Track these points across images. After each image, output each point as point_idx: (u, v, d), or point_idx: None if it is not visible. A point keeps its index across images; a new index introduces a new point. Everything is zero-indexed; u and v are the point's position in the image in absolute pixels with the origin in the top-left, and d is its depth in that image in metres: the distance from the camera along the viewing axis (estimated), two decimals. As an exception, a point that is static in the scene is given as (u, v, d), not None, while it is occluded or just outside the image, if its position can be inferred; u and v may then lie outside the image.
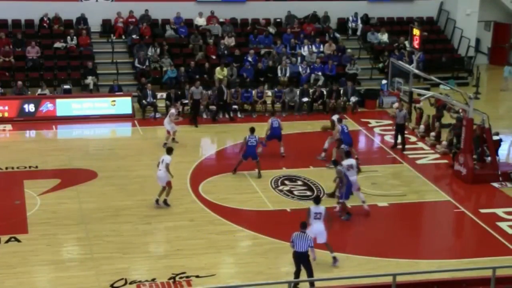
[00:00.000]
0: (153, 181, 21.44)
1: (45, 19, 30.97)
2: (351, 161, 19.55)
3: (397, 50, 31.78)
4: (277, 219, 18.96)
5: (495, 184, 21.71)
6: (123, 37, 31.57)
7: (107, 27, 31.90)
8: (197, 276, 15.95)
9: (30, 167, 22.20)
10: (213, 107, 27.63)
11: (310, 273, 15.25)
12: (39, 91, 27.62)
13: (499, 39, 36.63)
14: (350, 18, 33.76)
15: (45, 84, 27.91)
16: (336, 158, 21.19)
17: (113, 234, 17.97)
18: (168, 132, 24.19)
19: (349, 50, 31.76)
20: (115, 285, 15.64)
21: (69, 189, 20.66)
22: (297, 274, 15.33)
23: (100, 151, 24.06)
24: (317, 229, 16.31)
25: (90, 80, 28.74)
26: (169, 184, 19.41)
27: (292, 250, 15.29)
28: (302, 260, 15.21)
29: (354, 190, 19.31)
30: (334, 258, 16.60)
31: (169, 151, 19.68)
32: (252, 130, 21.73)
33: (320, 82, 29.66)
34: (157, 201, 19.47)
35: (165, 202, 19.46)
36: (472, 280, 14.17)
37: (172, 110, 24.62)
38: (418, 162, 23.46)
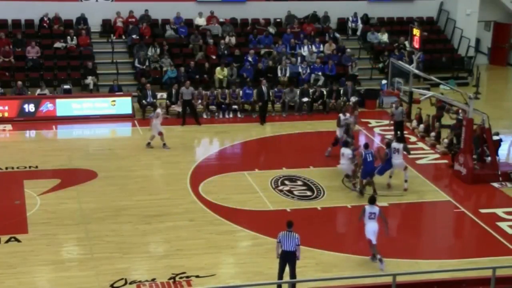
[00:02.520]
0: (153, 181, 21.50)
1: (45, 19, 30.97)
2: (399, 145, 21.12)
3: (397, 50, 31.79)
4: (277, 219, 18.93)
5: (495, 184, 21.71)
6: (123, 37, 31.58)
7: (107, 27, 31.91)
8: (197, 276, 15.95)
9: (30, 167, 22.20)
10: (213, 107, 27.68)
11: (293, 274, 15.12)
12: (38, 91, 27.61)
13: (499, 39, 36.62)
14: (350, 18, 33.77)
15: (44, 84, 27.88)
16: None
17: (113, 234, 17.97)
18: (161, 133, 23.85)
19: (348, 50, 31.77)
20: (115, 285, 15.64)
21: (69, 189, 20.66)
22: (280, 275, 15.19)
23: (100, 151, 24.05)
24: (371, 228, 16.52)
25: (90, 80, 28.74)
26: (353, 172, 21.02)
27: (279, 250, 15.16)
28: (289, 259, 15.09)
29: (402, 170, 21.25)
30: (380, 260, 16.47)
31: (346, 144, 21.30)
32: (366, 145, 21.17)
33: (320, 82, 29.66)
34: (354, 184, 20.96)
35: (354, 185, 20.95)
36: (472, 280, 14.17)
37: (158, 110, 24.27)
38: (418, 162, 23.45)
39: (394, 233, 18.94)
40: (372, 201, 16.81)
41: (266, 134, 26.05)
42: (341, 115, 23.52)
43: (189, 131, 26.00)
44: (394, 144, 21.14)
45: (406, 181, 21.11)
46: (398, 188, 21.25)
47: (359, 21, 33.77)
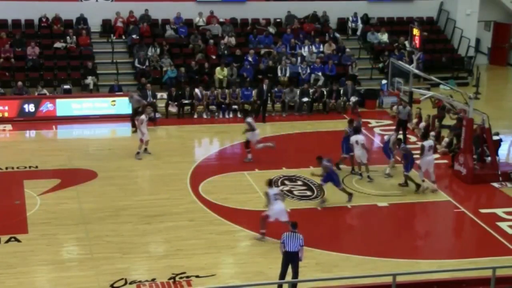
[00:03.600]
0: (153, 181, 21.47)
1: (43, 20, 30.94)
2: (430, 142, 21.42)
3: (397, 50, 31.80)
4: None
5: (495, 184, 21.68)
6: (123, 37, 31.58)
7: (107, 27, 31.90)
8: (197, 276, 15.94)
9: (30, 167, 22.20)
10: (213, 107, 27.69)
11: (296, 274, 15.13)
12: (37, 92, 27.60)
13: (499, 39, 36.62)
14: (350, 18, 33.76)
15: (40, 85, 27.81)
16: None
17: (113, 234, 17.96)
18: (141, 140, 22.99)
19: (347, 50, 31.76)
20: (115, 285, 15.64)
21: (69, 189, 20.66)
22: (283, 275, 15.19)
23: (100, 151, 24.05)
24: (279, 208, 17.32)
25: (90, 80, 28.75)
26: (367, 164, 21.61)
27: (283, 250, 15.14)
28: (292, 260, 15.09)
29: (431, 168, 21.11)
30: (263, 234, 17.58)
31: (358, 130, 21.76)
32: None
33: (320, 82, 29.68)
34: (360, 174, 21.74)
35: (368, 177, 21.58)
36: (472, 280, 14.16)
37: (142, 116, 23.10)
38: (418, 162, 23.40)
39: (394, 233, 18.97)
40: (270, 183, 17.74)
41: (266, 134, 26.00)
42: (249, 119, 22.93)
43: (189, 131, 26.00)
44: (426, 142, 21.25)
45: (434, 182, 21.13)
46: (397, 188, 21.27)
47: (359, 21, 33.77)
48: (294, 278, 15.03)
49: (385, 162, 22.54)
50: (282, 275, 15.21)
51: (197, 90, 27.47)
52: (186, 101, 27.59)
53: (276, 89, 28.43)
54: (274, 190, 17.75)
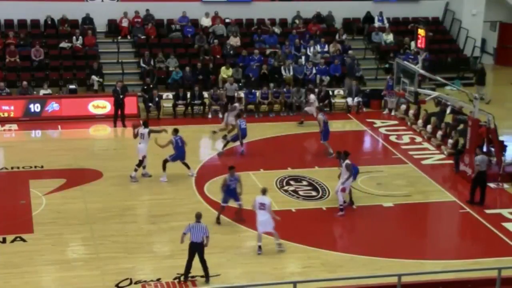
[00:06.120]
0: (158, 181, 21.46)
1: (49, 21, 30.96)
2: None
3: (403, 50, 31.75)
4: (282, 219, 18.91)
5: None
6: (129, 37, 31.60)
7: (113, 27, 31.93)
8: (202, 276, 15.95)
9: (35, 166, 22.24)
10: (216, 107, 27.67)
11: (204, 263, 15.77)
12: (42, 91, 27.64)
13: (505, 39, 36.54)
14: (376, 18, 33.71)
15: (46, 84, 27.88)
16: None
17: (118, 234, 17.99)
18: (144, 157, 21.31)
19: (350, 52, 31.64)
20: (120, 285, 15.67)
21: (74, 189, 20.70)
22: (189, 263, 15.74)
23: (106, 151, 24.10)
24: (260, 219, 17.17)
25: (95, 80, 28.77)
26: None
27: (183, 239, 15.72)
28: (197, 249, 15.66)
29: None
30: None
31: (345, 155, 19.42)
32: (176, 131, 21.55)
33: (325, 82, 29.67)
34: None
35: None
36: (478, 281, 14.17)
37: (145, 130, 21.25)
38: (423, 162, 23.42)
39: (399, 234, 18.94)
40: (264, 191, 17.43)
41: (271, 134, 26.03)
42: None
43: (194, 131, 25.98)
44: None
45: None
46: (403, 188, 21.25)
47: (385, 21, 33.70)
48: (203, 267, 15.68)
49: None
50: (189, 266, 15.72)
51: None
52: (197, 102, 27.50)
53: (284, 89, 28.42)
54: (262, 199, 17.24)
